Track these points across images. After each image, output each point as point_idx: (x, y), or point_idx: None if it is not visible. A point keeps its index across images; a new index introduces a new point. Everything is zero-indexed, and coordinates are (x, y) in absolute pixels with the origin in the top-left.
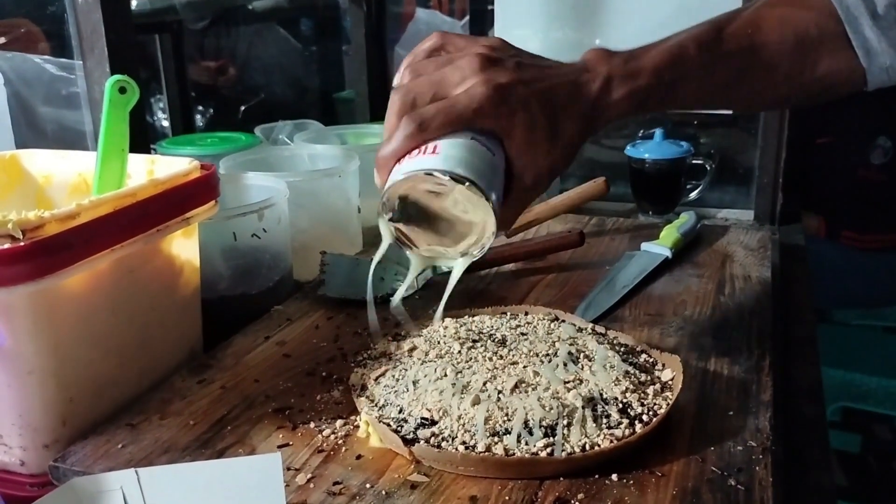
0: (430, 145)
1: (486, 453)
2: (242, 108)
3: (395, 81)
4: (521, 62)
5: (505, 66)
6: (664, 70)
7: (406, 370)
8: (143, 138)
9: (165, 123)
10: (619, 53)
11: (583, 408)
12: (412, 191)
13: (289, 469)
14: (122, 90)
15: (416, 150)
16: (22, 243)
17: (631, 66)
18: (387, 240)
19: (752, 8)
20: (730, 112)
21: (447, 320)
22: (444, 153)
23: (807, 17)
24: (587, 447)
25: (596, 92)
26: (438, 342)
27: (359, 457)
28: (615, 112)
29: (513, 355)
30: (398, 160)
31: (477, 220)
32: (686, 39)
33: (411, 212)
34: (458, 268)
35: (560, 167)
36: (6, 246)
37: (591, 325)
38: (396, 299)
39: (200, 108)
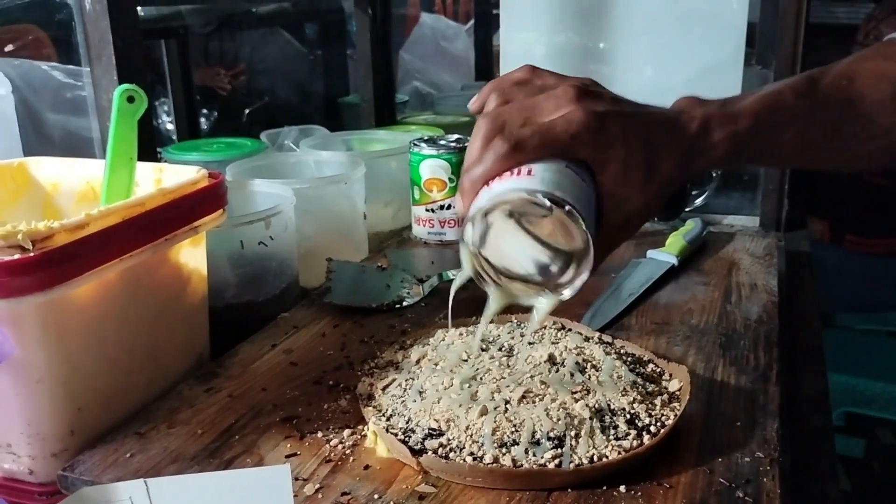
0: (524, 168)
1: (494, 464)
2: (247, 112)
3: (472, 105)
4: (617, 98)
5: (602, 98)
6: (762, 115)
7: (413, 380)
8: (150, 145)
9: (171, 127)
10: (712, 101)
11: (590, 419)
12: (500, 216)
13: (297, 479)
14: (131, 99)
15: (508, 173)
16: (31, 254)
17: (728, 109)
18: (466, 270)
19: (845, 62)
20: None
21: (453, 329)
22: (540, 176)
23: None
24: (595, 459)
25: (695, 132)
26: (446, 351)
27: (366, 467)
28: (714, 155)
29: (520, 365)
30: (487, 183)
31: (570, 251)
32: (782, 87)
33: (495, 240)
34: (541, 308)
35: (653, 209)
36: (16, 256)
37: (597, 333)
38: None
39: (205, 111)
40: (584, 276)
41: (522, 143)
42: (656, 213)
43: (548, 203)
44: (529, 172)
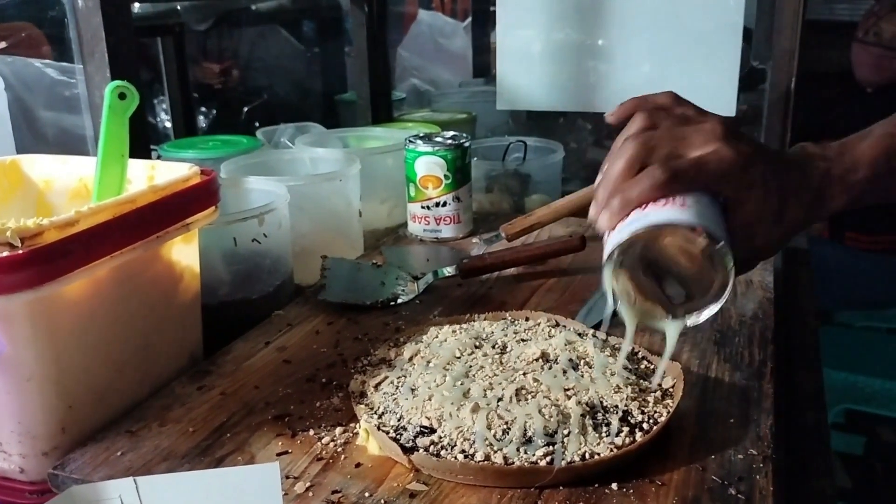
0: (678, 199)
1: (486, 462)
2: (245, 109)
3: (611, 116)
4: (756, 140)
5: (747, 140)
6: (880, 162)
7: (406, 377)
8: (143, 142)
9: (168, 125)
10: (829, 146)
11: (583, 416)
12: (652, 242)
13: (288, 477)
14: (122, 96)
15: (663, 201)
16: (21, 251)
17: (847, 159)
18: (608, 287)
19: None
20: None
21: (446, 327)
22: (696, 210)
23: None
24: (587, 456)
25: (818, 182)
26: (438, 348)
27: (358, 465)
28: (835, 204)
29: (513, 362)
30: (637, 207)
31: (705, 284)
32: (891, 129)
33: (635, 263)
34: (671, 332)
35: (772, 251)
36: (5, 254)
37: (591, 330)
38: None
39: (203, 109)
40: (714, 309)
41: (680, 174)
42: (772, 255)
43: (705, 238)
44: (683, 204)
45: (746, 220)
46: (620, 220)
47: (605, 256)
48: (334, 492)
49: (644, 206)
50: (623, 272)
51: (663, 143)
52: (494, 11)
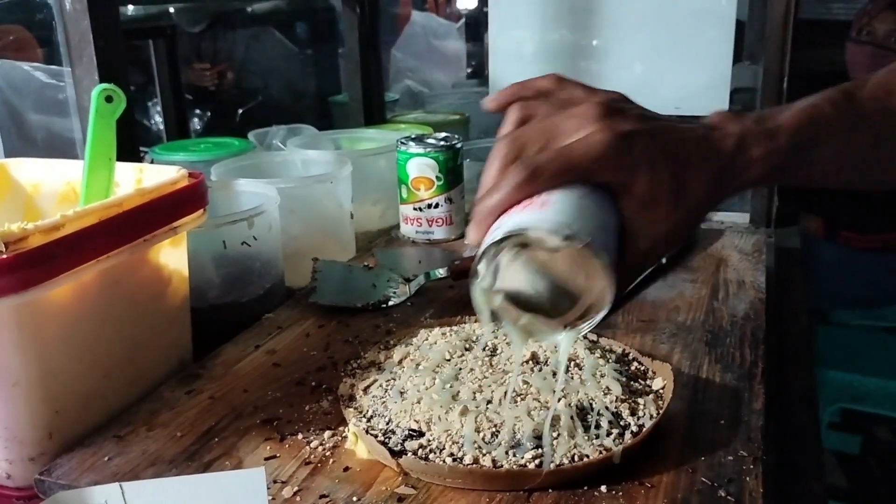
0: (539, 199)
1: (474, 465)
2: (239, 111)
3: (488, 102)
4: (646, 114)
5: (628, 116)
6: (802, 130)
7: (395, 380)
8: (132, 145)
9: (162, 127)
10: (746, 115)
11: (572, 418)
12: (512, 251)
13: (275, 482)
14: (109, 99)
15: (523, 203)
16: (5, 256)
17: (765, 125)
18: (483, 310)
19: (881, 74)
20: None
21: (436, 329)
22: (555, 208)
23: None
24: (576, 458)
25: (730, 150)
26: (428, 351)
27: (346, 469)
28: (749, 176)
29: (503, 364)
30: (501, 213)
31: (586, 287)
32: (819, 101)
33: (510, 275)
34: (565, 343)
35: (682, 233)
36: None
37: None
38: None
39: (198, 111)
40: (603, 311)
41: (539, 170)
42: (686, 237)
43: (558, 241)
44: (544, 204)
45: (638, 205)
46: (484, 232)
47: (470, 274)
48: (322, 496)
49: (506, 212)
50: (498, 289)
51: (533, 138)
52: (486, 13)
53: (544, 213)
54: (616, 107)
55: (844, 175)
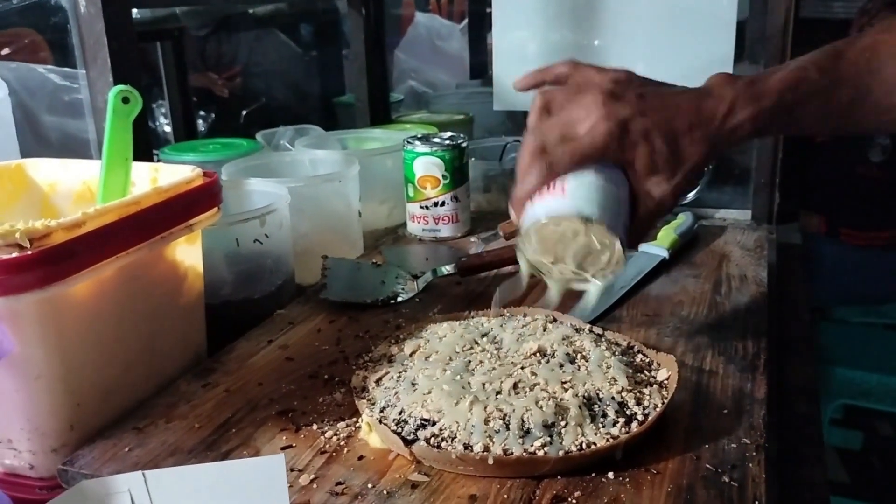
0: (558, 185)
1: (485, 453)
2: (244, 112)
3: (518, 83)
4: (644, 93)
5: (626, 100)
6: (786, 92)
7: (406, 372)
8: (146, 146)
9: (168, 129)
10: (742, 77)
11: (579, 407)
12: (546, 227)
13: (292, 470)
14: (126, 100)
15: (546, 188)
16: (29, 252)
17: (755, 89)
18: (524, 270)
19: (870, 34)
20: None
21: (446, 323)
22: (571, 193)
23: None
24: (584, 446)
25: (722, 114)
26: (438, 344)
27: (360, 457)
28: (738, 134)
29: (511, 356)
30: (530, 199)
31: (606, 247)
32: (805, 63)
33: (546, 244)
34: (594, 289)
35: (682, 191)
36: (14, 255)
37: (588, 325)
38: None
39: (203, 113)
40: (620, 264)
41: (555, 164)
42: (691, 191)
43: (578, 222)
44: (563, 189)
45: (642, 175)
46: (519, 216)
47: (516, 248)
48: (338, 483)
49: (534, 198)
50: (534, 254)
51: (552, 132)
52: (491, 13)
53: (561, 200)
54: (617, 91)
55: (825, 127)
